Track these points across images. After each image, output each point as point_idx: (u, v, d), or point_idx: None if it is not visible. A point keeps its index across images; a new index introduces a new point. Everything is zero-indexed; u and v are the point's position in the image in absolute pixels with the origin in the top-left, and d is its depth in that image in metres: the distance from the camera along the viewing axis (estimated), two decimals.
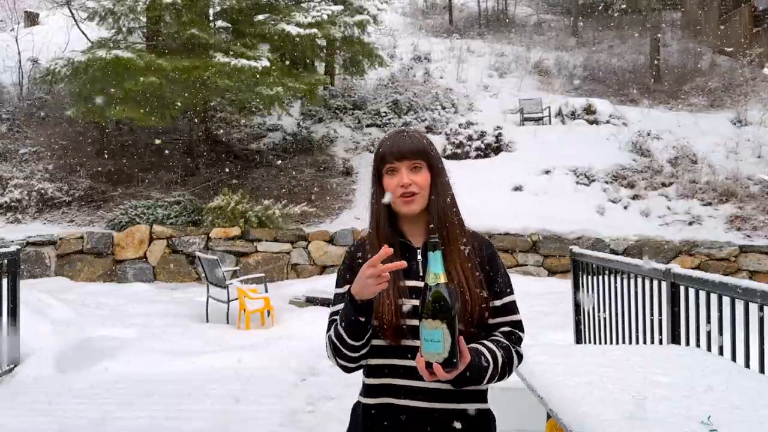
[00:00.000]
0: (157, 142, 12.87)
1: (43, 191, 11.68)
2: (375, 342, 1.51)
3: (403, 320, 1.48)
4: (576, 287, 5.00)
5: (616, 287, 4.21)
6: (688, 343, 3.33)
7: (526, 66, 19.27)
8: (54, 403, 4.59)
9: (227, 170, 12.94)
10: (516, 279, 10.21)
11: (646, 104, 16.33)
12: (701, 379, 1.95)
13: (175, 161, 13.05)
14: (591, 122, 14.71)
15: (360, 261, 1.48)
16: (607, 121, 14.69)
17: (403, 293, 1.50)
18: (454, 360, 1.32)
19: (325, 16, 11.98)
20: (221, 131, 14.40)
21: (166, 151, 13.20)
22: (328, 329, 1.54)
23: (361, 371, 1.60)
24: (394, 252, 1.43)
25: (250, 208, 10.67)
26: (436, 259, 1.33)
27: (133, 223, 10.74)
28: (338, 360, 1.52)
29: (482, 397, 1.56)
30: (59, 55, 12.79)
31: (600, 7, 22.16)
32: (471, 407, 1.52)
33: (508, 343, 1.53)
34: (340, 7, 12.61)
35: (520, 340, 1.58)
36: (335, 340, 1.49)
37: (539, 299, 8.72)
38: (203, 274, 8.17)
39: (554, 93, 17.25)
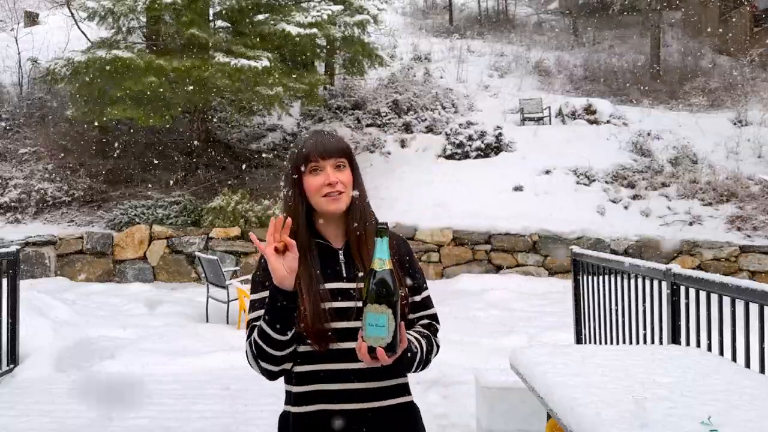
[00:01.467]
0: (157, 142, 12.86)
1: (42, 191, 11.68)
2: (302, 348, 1.49)
3: (326, 324, 1.46)
4: (576, 287, 5.00)
5: (616, 287, 4.21)
6: (688, 343, 3.32)
7: (526, 66, 19.26)
8: (54, 403, 4.58)
9: (227, 170, 12.92)
10: (516, 279, 10.18)
11: (647, 104, 16.32)
12: (701, 379, 1.95)
13: (175, 161, 13.05)
14: (591, 122, 14.71)
15: None
16: (608, 121, 14.69)
17: (324, 297, 1.48)
18: (396, 344, 1.34)
19: (325, 16, 11.97)
20: (221, 131, 14.39)
21: (166, 151, 13.19)
22: (249, 336, 1.49)
23: (284, 381, 1.57)
24: (314, 254, 1.47)
25: (250, 208, 10.67)
26: (383, 245, 1.34)
27: (133, 223, 10.74)
28: (261, 363, 1.46)
29: (408, 390, 1.60)
30: (59, 55, 12.77)
31: (600, 7, 22.16)
32: (400, 401, 1.56)
33: (429, 333, 1.58)
34: (340, 7, 12.60)
35: (437, 331, 1.63)
36: (258, 340, 1.44)
37: (539, 299, 8.73)
38: (203, 274, 8.17)
39: (554, 93, 17.24)
